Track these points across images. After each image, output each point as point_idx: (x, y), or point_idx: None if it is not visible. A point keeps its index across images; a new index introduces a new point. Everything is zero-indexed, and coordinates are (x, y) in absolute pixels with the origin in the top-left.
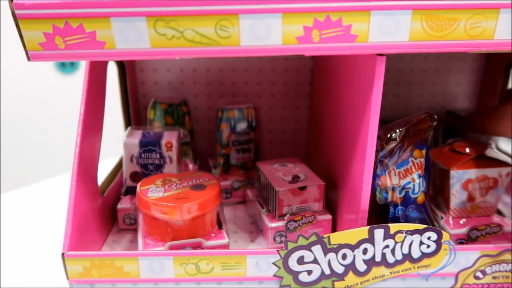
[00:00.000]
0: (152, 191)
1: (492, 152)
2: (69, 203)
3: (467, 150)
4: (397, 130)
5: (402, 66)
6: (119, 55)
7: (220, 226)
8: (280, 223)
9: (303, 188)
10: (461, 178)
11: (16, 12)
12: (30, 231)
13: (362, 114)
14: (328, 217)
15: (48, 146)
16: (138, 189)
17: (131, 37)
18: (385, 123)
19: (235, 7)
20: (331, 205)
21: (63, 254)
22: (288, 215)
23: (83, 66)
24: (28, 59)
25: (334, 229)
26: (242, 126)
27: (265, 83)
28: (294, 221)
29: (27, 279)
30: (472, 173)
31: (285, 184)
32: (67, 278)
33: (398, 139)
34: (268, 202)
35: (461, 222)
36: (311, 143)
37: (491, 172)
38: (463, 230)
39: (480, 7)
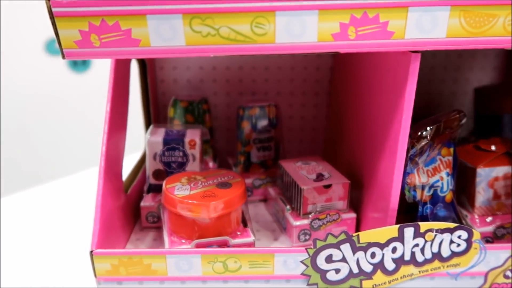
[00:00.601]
0: (178, 189)
1: None
2: (97, 200)
3: (493, 147)
4: (428, 128)
5: (425, 64)
6: (154, 53)
7: (245, 224)
8: (304, 221)
9: (328, 186)
10: (487, 176)
11: (53, 10)
12: (46, 230)
13: (394, 112)
14: (353, 215)
15: (60, 145)
16: (164, 186)
17: (167, 34)
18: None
19: (272, 3)
20: (354, 203)
21: (91, 251)
22: (313, 213)
23: (95, 65)
24: (63, 57)
25: (358, 228)
26: (263, 124)
27: (284, 81)
28: (319, 219)
29: (51, 277)
30: (499, 170)
31: (310, 182)
32: (95, 276)
33: (429, 137)
34: (292, 200)
35: (487, 220)
36: (330, 141)
37: None
38: (490, 228)
39: None
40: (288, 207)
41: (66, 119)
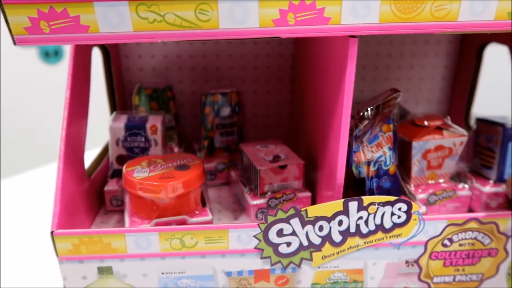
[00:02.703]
0: (138, 172)
1: None
2: (57, 184)
3: (426, 123)
4: (369, 109)
5: (380, 51)
6: (103, 39)
7: (204, 204)
8: (261, 201)
9: (283, 167)
10: (421, 148)
11: None
12: (20, 219)
13: (337, 95)
14: (308, 194)
15: (33, 136)
16: (124, 170)
17: (114, 21)
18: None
19: None
20: (311, 183)
21: (52, 232)
22: (270, 192)
23: (67, 56)
24: (14, 43)
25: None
26: (225, 110)
27: (248, 68)
28: (275, 198)
29: (22, 264)
30: (431, 143)
31: (266, 163)
32: (57, 255)
33: (370, 117)
34: (251, 181)
35: (420, 189)
36: (293, 126)
37: (447, 142)
38: (423, 196)
39: None
40: (247, 188)
41: (39, 111)
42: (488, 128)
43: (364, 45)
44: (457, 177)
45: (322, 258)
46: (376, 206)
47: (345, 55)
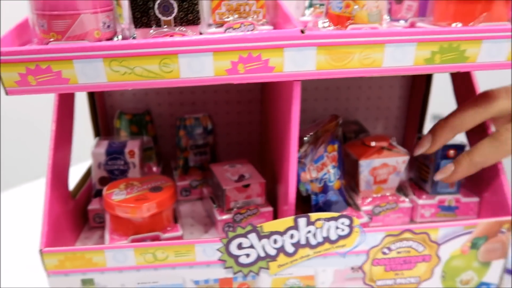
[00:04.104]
0: (116, 194)
1: None
2: (44, 207)
3: (373, 143)
4: (307, 136)
5: (340, 84)
6: (82, 89)
7: (176, 220)
8: (228, 216)
9: (247, 186)
10: (368, 166)
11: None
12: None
13: (287, 125)
14: (270, 209)
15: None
16: (104, 192)
17: (91, 74)
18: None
19: (175, 48)
20: (275, 199)
21: (41, 250)
22: (235, 208)
23: None
24: (6, 93)
25: (275, 219)
26: (198, 132)
27: (220, 91)
28: (240, 213)
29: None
30: (376, 162)
31: (232, 182)
32: (45, 269)
33: (309, 142)
34: (219, 198)
35: (367, 201)
36: (263, 144)
37: (391, 161)
38: (369, 207)
39: (369, 42)
40: (215, 204)
41: (15, 128)
42: None
43: None
44: (401, 190)
45: (278, 266)
46: (322, 221)
47: (291, 95)
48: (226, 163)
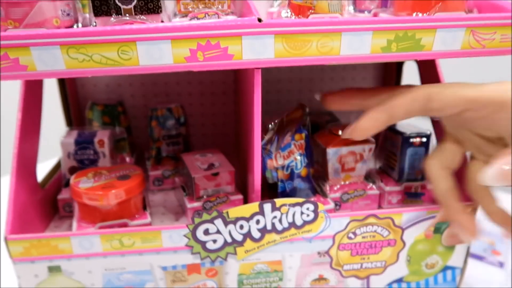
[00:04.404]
0: (83, 182)
1: None
2: (10, 196)
3: (340, 132)
4: (272, 124)
5: (313, 76)
6: (40, 76)
7: (145, 209)
8: (197, 204)
9: (216, 174)
10: (335, 154)
11: None
12: None
13: (251, 113)
14: (239, 197)
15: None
16: (71, 181)
17: (49, 61)
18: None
19: (133, 36)
20: (246, 186)
21: (5, 237)
22: (205, 196)
23: None
24: None
25: None
26: (170, 123)
27: (194, 82)
28: (210, 201)
29: None
30: (343, 150)
31: (201, 171)
32: (11, 257)
33: (274, 130)
34: (189, 187)
35: (335, 188)
36: (236, 135)
37: (357, 149)
38: (338, 194)
39: (326, 31)
40: (185, 192)
41: None
42: (392, 135)
43: None
44: (370, 177)
45: (245, 252)
46: (287, 207)
47: (252, 83)
48: (197, 152)
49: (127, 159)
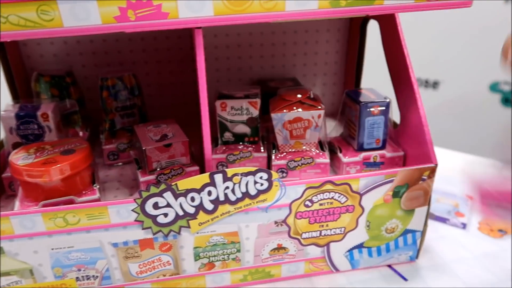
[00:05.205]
0: (23, 159)
1: None
2: None
3: (288, 97)
4: None
5: (274, 28)
6: None
7: (94, 184)
8: (151, 177)
9: (168, 145)
10: (280, 119)
11: None
12: None
13: (197, 78)
14: (195, 168)
15: None
16: (10, 157)
17: None
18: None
19: None
20: None
21: None
22: (158, 169)
23: None
24: None
25: None
26: (122, 93)
27: (149, 50)
28: (164, 174)
29: None
30: (289, 115)
31: (152, 142)
32: None
33: None
34: (142, 159)
35: (280, 155)
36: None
37: (305, 115)
38: (283, 162)
39: None
40: (138, 166)
41: None
42: (350, 103)
43: (258, 25)
44: (329, 145)
45: (199, 224)
46: (240, 177)
47: (194, 45)
48: (151, 123)
49: (80, 133)
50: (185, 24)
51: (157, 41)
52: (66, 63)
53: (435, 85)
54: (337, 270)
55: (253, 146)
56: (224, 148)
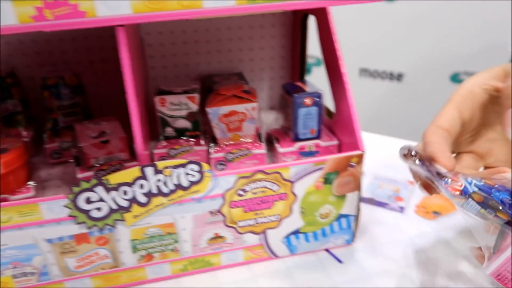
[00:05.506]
0: None
1: None
2: None
3: (223, 91)
4: None
5: (219, 24)
6: None
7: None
8: (89, 174)
9: (106, 142)
10: (216, 113)
11: None
12: None
13: (124, 76)
14: (135, 163)
15: None
16: None
17: None
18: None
19: None
20: None
21: None
22: (97, 165)
23: None
24: None
25: None
26: (64, 92)
27: (93, 49)
28: (102, 170)
29: None
30: (224, 109)
31: (90, 139)
32: None
33: None
34: (80, 157)
35: (218, 148)
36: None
37: (239, 108)
38: (221, 154)
39: None
40: (77, 163)
41: None
42: (286, 95)
43: (204, 20)
44: (268, 137)
45: (134, 217)
46: (171, 169)
47: (119, 43)
48: (91, 121)
49: (24, 133)
50: (105, 23)
51: (101, 40)
52: (9, 64)
53: (399, 77)
54: (276, 256)
55: (194, 140)
56: (165, 143)
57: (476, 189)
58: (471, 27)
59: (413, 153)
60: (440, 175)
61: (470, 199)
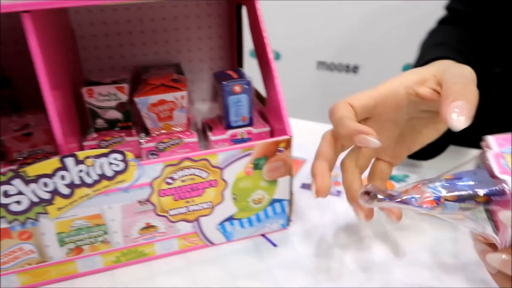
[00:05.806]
0: None
1: None
2: None
3: (152, 81)
4: None
5: (154, 15)
6: None
7: None
8: (12, 167)
9: (28, 134)
10: (144, 103)
11: None
12: None
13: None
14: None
15: None
16: None
17: None
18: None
19: None
20: None
21: None
22: (20, 159)
23: None
24: None
25: None
26: None
27: (21, 42)
28: (26, 164)
29: None
30: (152, 98)
31: (11, 132)
32: None
33: None
34: (3, 151)
35: (149, 138)
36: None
37: (168, 97)
38: (152, 144)
39: None
40: (0, 157)
41: None
42: (217, 84)
43: (136, 10)
44: (203, 125)
45: (57, 210)
46: (92, 159)
47: (26, 32)
48: (17, 114)
49: None
50: (8, 8)
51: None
52: None
53: (355, 69)
54: (212, 243)
55: (126, 131)
56: (96, 135)
57: (444, 191)
58: (417, 20)
59: (372, 193)
60: (404, 199)
61: (445, 202)
